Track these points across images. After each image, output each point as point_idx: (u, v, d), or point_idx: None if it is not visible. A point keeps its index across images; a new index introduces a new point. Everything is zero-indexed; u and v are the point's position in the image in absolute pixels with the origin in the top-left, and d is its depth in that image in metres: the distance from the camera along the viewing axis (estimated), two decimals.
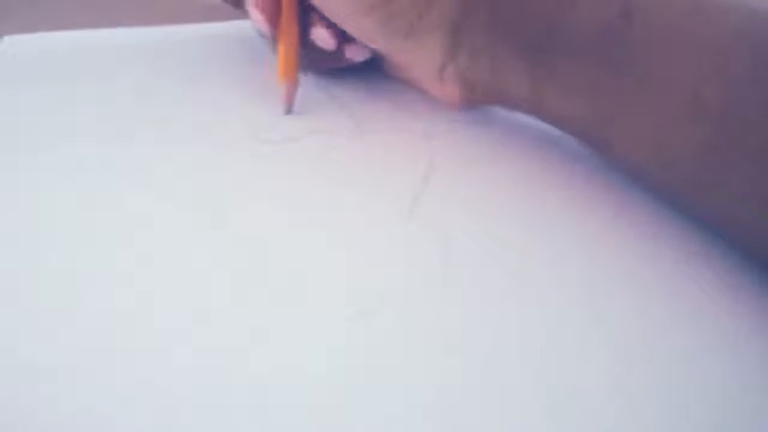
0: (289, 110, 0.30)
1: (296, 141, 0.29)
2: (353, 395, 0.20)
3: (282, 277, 0.23)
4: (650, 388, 0.20)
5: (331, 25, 0.29)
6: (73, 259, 0.24)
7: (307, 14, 0.29)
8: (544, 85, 0.26)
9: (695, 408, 0.20)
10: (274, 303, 0.22)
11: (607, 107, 0.24)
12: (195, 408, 0.19)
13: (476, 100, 0.29)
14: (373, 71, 0.32)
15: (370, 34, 0.27)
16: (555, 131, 0.28)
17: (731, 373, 0.21)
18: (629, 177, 0.26)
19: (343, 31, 0.29)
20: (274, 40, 0.30)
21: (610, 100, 0.24)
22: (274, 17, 0.29)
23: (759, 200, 0.22)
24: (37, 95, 0.31)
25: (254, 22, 0.29)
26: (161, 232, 0.25)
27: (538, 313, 0.23)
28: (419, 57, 0.28)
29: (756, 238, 0.23)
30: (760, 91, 0.21)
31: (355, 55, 0.30)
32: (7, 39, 0.34)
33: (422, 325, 0.22)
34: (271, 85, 0.31)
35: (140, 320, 0.22)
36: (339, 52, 0.30)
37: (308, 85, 0.32)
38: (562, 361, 0.21)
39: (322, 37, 0.29)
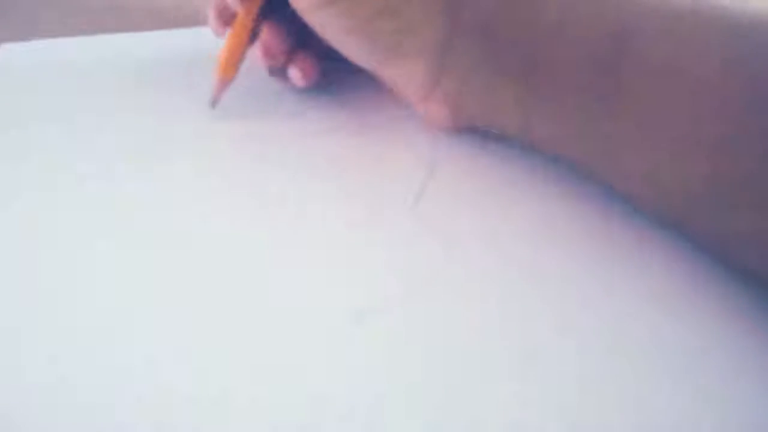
0: (214, 104, 0.30)
1: (297, 141, 0.29)
2: (354, 395, 0.20)
3: (283, 276, 0.23)
4: (652, 387, 0.20)
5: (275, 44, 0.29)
6: (71, 263, 0.24)
7: (260, 25, 0.29)
8: (534, 113, 0.25)
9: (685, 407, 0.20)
10: (275, 303, 0.22)
11: (598, 137, 0.24)
12: (194, 408, 0.19)
13: (465, 122, 0.28)
14: None
15: (353, 53, 0.27)
16: None
17: (720, 372, 0.21)
18: (624, 200, 0.26)
19: (291, 52, 0.29)
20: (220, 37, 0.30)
21: (600, 130, 0.24)
22: (224, 18, 0.29)
23: (755, 233, 0.21)
24: (35, 102, 0.31)
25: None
26: (160, 233, 0.25)
27: (540, 312, 0.22)
28: (404, 78, 0.28)
29: (756, 270, 0.22)
30: (757, 125, 0.20)
31: (296, 79, 0.30)
32: (4, 46, 0.34)
33: (423, 325, 0.22)
34: (270, 88, 0.32)
35: (139, 320, 0.22)
36: (283, 71, 0.30)
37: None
38: (563, 360, 0.21)
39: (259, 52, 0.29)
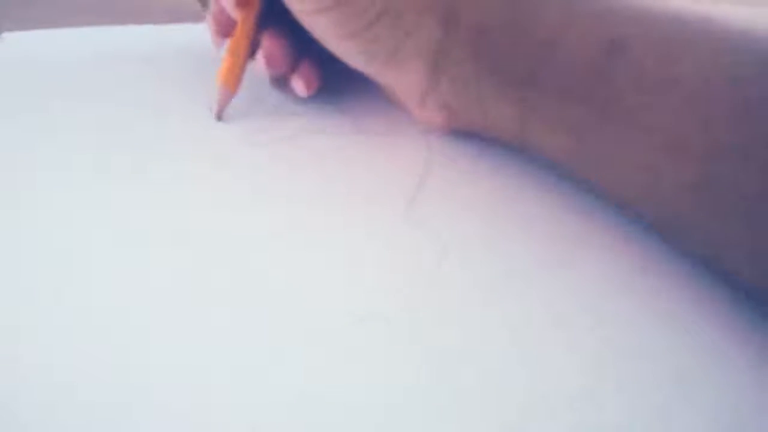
0: (219, 117, 0.30)
1: (295, 142, 0.29)
2: (353, 397, 0.20)
3: (280, 278, 0.23)
4: (653, 388, 0.21)
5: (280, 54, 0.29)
6: (68, 259, 0.24)
7: (260, 33, 0.29)
8: (531, 121, 0.25)
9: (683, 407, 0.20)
10: (273, 305, 0.23)
11: (594, 145, 0.24)
12: (193, 408, 0.19)
13: (461, 127, 0.28)
14: None
15: (351, 57, 0.27)
16: None
17: (711, 377, 0.21)
18: (619, 210, 0.26)
19: (294, 61, 0.29)
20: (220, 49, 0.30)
21: (596, 138, 0.24)
22: (224, 28, 0.29)
23: (746, 243, 0.21)
24: (37, 92, 0.31)
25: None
26: (159, 235, 0.25)
27: (537, 314, 0.23)
28: (401, 83, 0.28)
29: (747, 279, 0.22)
30: (751, 132, 0.21)
31: (299, 90, 0.30)
32: (6, 36, 0.34)
33: (420, 327, 0.22)
34: (270, 88, 0.31)
35: (137, 320, 0.22)
36: (285, 80, 0.30)
37: None
38: (562, 362, 0.21)
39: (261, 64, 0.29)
